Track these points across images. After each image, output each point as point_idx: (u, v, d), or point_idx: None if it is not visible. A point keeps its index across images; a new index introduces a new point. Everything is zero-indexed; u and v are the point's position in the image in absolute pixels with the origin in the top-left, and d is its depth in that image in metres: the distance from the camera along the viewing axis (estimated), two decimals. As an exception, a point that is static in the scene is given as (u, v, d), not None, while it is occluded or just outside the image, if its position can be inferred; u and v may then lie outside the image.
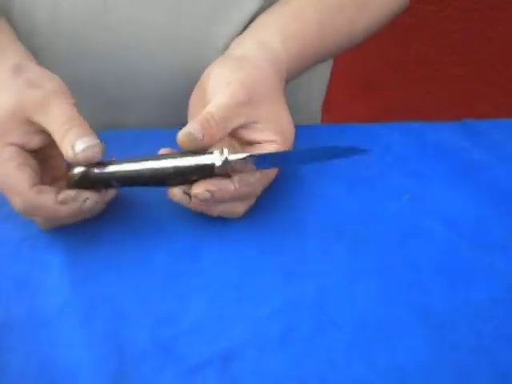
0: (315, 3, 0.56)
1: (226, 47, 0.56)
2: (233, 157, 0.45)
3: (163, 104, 0.61)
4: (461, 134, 0.59)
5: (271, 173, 0.49)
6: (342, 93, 1.23)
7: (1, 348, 0.42)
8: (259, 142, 0.48)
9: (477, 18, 1.09)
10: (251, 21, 0.57)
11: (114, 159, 0.46)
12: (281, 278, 0.47)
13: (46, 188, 0.45)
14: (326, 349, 0.43)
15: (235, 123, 0.47)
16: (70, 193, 0.45)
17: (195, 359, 0.42)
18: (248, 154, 0.46)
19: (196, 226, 0.49)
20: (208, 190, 0.45)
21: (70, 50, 0.58)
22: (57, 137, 0.45)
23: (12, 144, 0.45)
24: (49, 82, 0.47)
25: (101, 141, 0.45)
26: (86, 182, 0.45)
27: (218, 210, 0.48)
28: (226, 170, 0.46)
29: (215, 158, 0.45)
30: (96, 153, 0.44)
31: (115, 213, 0.50)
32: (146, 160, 0.46)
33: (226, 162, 0.45)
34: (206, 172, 0.45)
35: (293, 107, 0.51)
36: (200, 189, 0.45)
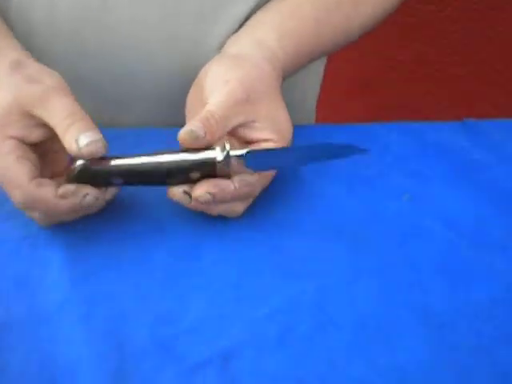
0: (312, 0, 0.56)
1: (222, 46, 0.56)
2: (234, 152, 0.46)
3: (160, 103, 0.61)
4: (461, 134, 0.59)
5: (270, 173, 0.49)
6: (340, 92, 1.23)
7: (1, 346, 0.42)
8: (258, 141, 0.48)
9: (477, 18, 1.09)
10: (247, 18, 0.57)
11: (115, 155, 0.46)
12: (280, 277, 0.47)
13: (46, 181, 0.45)
14: (325, 349, 0.43)
15: (234, 122, 0.47)
16: (70, 187, 0.45)
17: (195, 358, 0.42)
18: (248, 150, 0.46)
19: (196, 226, 0.49)
20: (209, 193, 0.45)
21: (68, 50, 0.58)
22: (59, 131, 0.45)
23: (12, 137, 0.45)
24: (48, 78, 0.47)
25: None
26: (87, 177, 0.45)
27: (218, 210, 0.48)
28: (227, 170, 0.46)
29: (217, 153, 0.45)
30: (99, 148, 0.44)
31: (115, 211, 0.50)
32: (148, 155, 0.46)
33: (227, 157, 0.45)
34: (208, 168, 0.46)
35: (289, 105, 0.51)
36: (201, 191, 0.46)
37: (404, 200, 0.52)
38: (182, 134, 0.45)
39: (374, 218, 0.51)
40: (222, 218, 0.49)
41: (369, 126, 0.59)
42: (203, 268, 0.47)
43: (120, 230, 0.49)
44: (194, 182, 0.46)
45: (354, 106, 1.21)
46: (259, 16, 0.56)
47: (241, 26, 0.57)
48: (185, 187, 0.46)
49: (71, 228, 0.49)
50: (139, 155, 0.46)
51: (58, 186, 0.45)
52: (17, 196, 0.45)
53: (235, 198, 0.47)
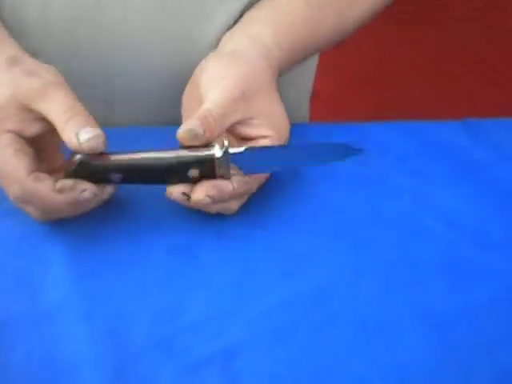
0: None
1: (217, 43, 0.56)
2: (233, 150, 0.46)
3: (154, 101, 0.61)
4: (462, 133, 0.59)
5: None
6: (339, 90, 1.23)
7: (2, 344, 0.42)
8: (256, 138, 0.48)
9: (477, 17, 1.09)
10: (241, 15, 0.57)
11: (114, 151, 0.46)
12: (280, 276, 0.47)
13: (44, 175, 0.45)
14: (325, 347, 0.43)
15: (232, 119, 0.47)
16: (68, 182, 0.45)
17: (194, 356, 0.42)
18: (246, 147, 0.46)
19: (195, 224, 0.49)
20: (208, 195, 0.46)
21: (61, 50, 0.57)
22: (58, 124, 0.45)
23: (10, 131, 0.45)
24: (46, 73, 0.47)
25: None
26: (85, 171, 0.45)
27: (215, 208, 0.48)
28: (226, 167, 0.46)
29: (215, 150, 0.45)
30: (100, 143, 0.45)
31: (115, 211, 0.50)
32: (147, 151, 0.46)
33: (226, 153, 0.45)
34: (207, 165, 0.46)
35: (283, 103, 0.52)
36: (200, 194, 0.46)
37: (404, 199, 0.52)
38: (181, 132, 0.45)
39: (374, 218, 0.51)
40: (221, 217, 0.49)
41: (369, 126, 0.59)
42: (203, 266, 0.47)
43: (120, 229, 0.49)
44: (192, 181, 0.46)
45: (354, 105, 1.21)
46: (254, 13, 0.56)
47: (235, 23, 0.57)
48: (183, 188, 0.46)
49: (71, 227, 0.49)
50: (138, 151, 0.46)
51: (56, 181, 0.45)
52: (14, 190, 0.45)
53: (233, 197, 0.48)
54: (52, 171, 0.47)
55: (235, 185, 0.46)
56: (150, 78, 0.59)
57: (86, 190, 0.45)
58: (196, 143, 0.45)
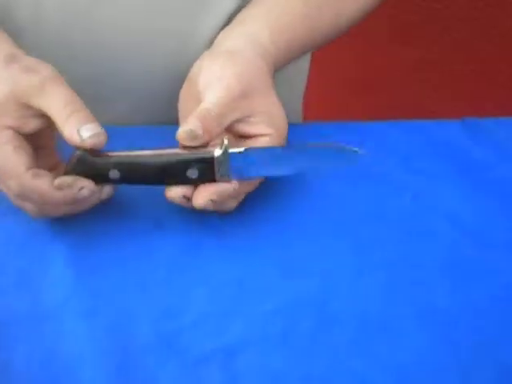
0: None
1: (211, 41, 0.56)
2: (232, 149, 0.46)
3: (148, 100, 0.61)
4: (464, 132, 0.59)
5: None
6: (342, 91, 1.23)
7: (5, 342, 0.42)
8: (254, 136, 0.48)
9: (480, 17, 1.09)
10: (235, 14, 0.56)
11: (112, 150, 0.46)
12: (283, 274, 0.47)
13: (43, 172, 0.45)
14: (328, 345, 0.43)
15: (231, 118, 0.47)
16: (67, 178, 0.45)
17: (198, 353, 0.42)
18: (247, 148, 0.46)
19: (197, 223, 0.49)
20: (210, 200, 0.46)
21: (55, 50, 0.57)
22: (58, 120, 0.45)
23: (9, 127, 0.45)
24: (44, 69, 0.46)
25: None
26: (84, 168, 0.45)
27: (214, 207, 0.48)
28: (226, 167, 0.46)
29: (216, 151, 0.45)
30: (102, 141, 0.45)
31: (117, 210, 0.50)
32: (146, 150, 0.46)
33: (225, 153, 0.45)
34: (206, 165, 0.45)
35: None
36: (202, 200, 0.46)
37: (407, 198, 0.52)
38: (181, 133, 0.45)
39: (376, 217, 0.51)
40: (222, 216, 0.49)
41: (372, 124, 0.59)
42: (204, 265, 0.47)
43: (123, 228, 0.49)
44: (191, 181, 0.46)
45: (356, 105, 1.21)
46: (250, 10, 0.56)
47: (229, 21, 0.56)
48: (183, 190, 0.46)
49: (73, 225, 0.49)
50: (137, 150, 0.46)
51: (55, 177, 0.45)
52: (12, 186, 0.45)
53: (233, 198, 0.48)
54: (48, 169, 0.47)
55: (235, 186, 0.46)
56: (144, 78, 0.59)
57: (84, 187, 0.45)
58: (196, 144, 0.45)
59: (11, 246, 0.48)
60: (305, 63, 0.72)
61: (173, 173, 0.46)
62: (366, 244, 0.49)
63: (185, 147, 0.46)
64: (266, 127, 0.48)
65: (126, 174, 0.46)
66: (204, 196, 0.46)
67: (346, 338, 0.43)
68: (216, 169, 0.46)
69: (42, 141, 0.48)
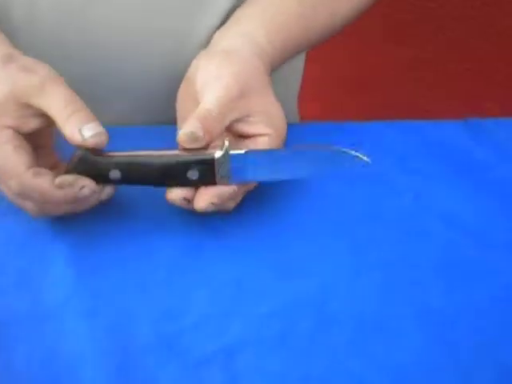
0: None
1: (206, 41, 0.56)
2: (233, 151, 0.46)
3: (144, 100, 0.61)
4: (464, 133, 0.59)
5: None
6: (339, 91, 1.24)
7: (5, 341, 0.42)
8: (253, 135, 0.48)
9: (476, 16, 1.10)
10: (230, 13, 0.56)
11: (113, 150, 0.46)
12: (283, 275, 0.47)
13: (44, 171, 0.45)
14: (326, 346, 0.43)
15: (230, 118, 0.47)
16: (68, 177, 0.45)
17: (198, 354, 0.42)
18: (247, 150, 0.46)
19: (200, 224, 0.49)
20: (212, 203, 0.46)
21: (50, 50, 0.57)
22: (59, 120, 0.44)
23: (9, 127, 0.45)
24: (42, 69, 0.46)
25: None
26: (86, 167, 0.45)
27: (215, 209, 0.48)
28: (226, 168, 0.45)
29: (216, 152, 0.45)
30: (103, 140, 0.45)
31: (119, 210, 0.50)
32: (147, 150, 0.46)
33: (226, 154, 0.45)
34: (207, 166, 0.45)
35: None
36: (203, 203, 0.46)
37: (407, 198, 0.52)
38: (182, 135, 0.45)
39: (374, 217, 0.51)
40: (222, 217, 0.49)
41: (371, 125, 0.59)
42: (206, 265, 0.47)
43: (124, 228, 0.49)
44: (191, 183, 0.46)
45: (353, 105, 1.21)
46: (245, 10, 0.55)
47: (225, 20, 0.56)
48: (183, 193, 0.46)
49: (73, 225, 0.49)
50: (139, 150, 0.46)
51: (55, 176, 0.45)
52: (13, 185, 0.45)
53: (233, 198, 0.48)
54: (48, 168, 0.47)
55: (236, 188, 0.46)
56: (141, 78, 0.59)
57: (85, 186, 0.45)
58: (197, 146, 0.45)
59: (12, 246, 0.48)
60: (299, 62, 0.72)
61: (173, 174, 0.46)
62: (364, 244, 0.49)
63: (185, 149, 0.46)
64: (265, 127, 0.48)
65: (127, 174, 0.46)
66: (205, 199, 0.46)
67: (345, 338, 0.43)
68: (216, 170, 0.45)
69: (41, 140, 0.47)
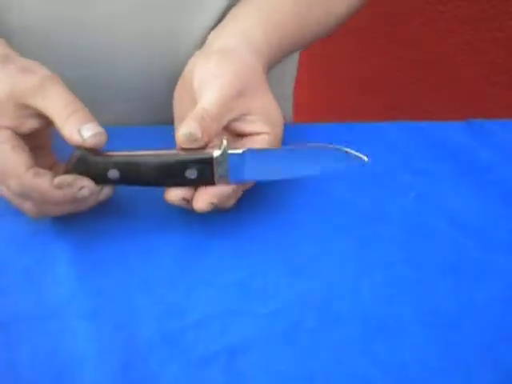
0: None
1: (202, 40, 0.56)
2: (232, 150, 0.46)
3: (139, 101, 0.61)
4: (466, 134, 0.59)
5: None
6: (348, 92, 1.24)
7: (9, 340, 0.43)
8: (250, 134, 0.48)
9: (484, 19, 1.09)
10: (225, 12, 0.56)
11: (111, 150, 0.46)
12: (287, 274, 0.47)
13: (43, 171, 0.45)
14: (330, 346, 0.43)
15: (229, 117, 0.47)
16: (67, 177, 0.45)
17: (202, 353, 0.42)
18: (245, 149, 0.46)
19: (204, 222, 0.49)
20: (211, 203, 0.46)
21: (45, 50, 0.57)
22: (58, 120, 0.44)
23: (7, 127, 0.45)
24: (41, 70, 0.46)
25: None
26: (84, 167, 0.45)
27: (214, 208, 0.48)
28: (225, 168, 0.45)
29: (215, 151, 0.45)
30: (102, 140, 0.45)
31: (122, 208, 0.50)
32: (146, 150, 0.46)
33: (224, 153, 0.45)
34: (205, 165, 0.45)
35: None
36: (202, 203, 0.46)
37: (410, 198, 0.52)
38: (180, 136, 0.45)
39: (378, 217, 0.51)
40: (227, 217, 0.49)
41: (376, 125, 0.59)
42: (210, 264, 0.47)
43: (127, 227, 0.49)
44: (190, 182, 0.46)
45: (357, 106, 1.21)
46: (240, 9, 0.55)
47: (220, 20, 0.56)
48: (182, 193, 0.46)
49: (77, 224, 0.49)
50: (138, 150, 0.46)
51: (55, 176, 0.45)
52: (12, 185, 0.45)
53: (231, 197, 0.48)
54: (46, 169, 0.47)
55: (234, 187, 0.46)
56: (136, 79, 0.59)
57: (84, 186, 0.45)
58: (195, 146, 0.45)
59: (13, 246, 0.48)
60: (293, 61, 0.72)
61: (172, 173, 0.46)
62: (368, 244, 0.49)
63: (183, 149, 0.46)
64: (263, 125, 0.48)
65: (126, 174, 0.46)
66: (204, 199, 0.46)
67: (349, 337, 0.43)
68: (215, 169, 0.45)
69: (38, 141, 0.48)
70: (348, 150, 0.47)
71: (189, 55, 0.52)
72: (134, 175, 0.46)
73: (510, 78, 1.14)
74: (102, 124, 0.45)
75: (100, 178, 0.46)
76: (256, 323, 0.44)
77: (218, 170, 0.45)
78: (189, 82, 0.50)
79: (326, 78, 1.22)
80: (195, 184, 0.46)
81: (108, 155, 0.46)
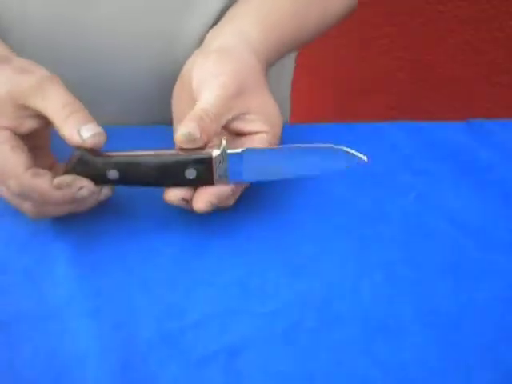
0: None
1: (198, 41, 0.56)
2: (231, 150, 0.46)
3: (136, 101, 0.61)
4: (468, 134, 0.59)
5: None
6: (348, 93, 1.24)
7: (9, 340, 0.42)
8: (249, 133, 0.48)
9: (484, 19, 1.09)
10: (222, 13, 0.57)
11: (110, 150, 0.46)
12: (286, 274, 0.47)
13: (43, 171, 0.45)
14: (330, 346, 0.43)
15: (228, 117, 0.47)
16: (66, 178, 0.45)
17: (201, 353, 0.42)
18: (245, 149, 0.46)
19: (203, 222, 0.49)
20: (210, 203, 0.46)
21: (43, 50, 0.57)
22: (57, 121, 0.44)
23: (5, 128, 0.45)
24: (39, 70, 0.46)
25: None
26: (84, 167, 0.45)
27: (214, 208, 0.48)
28: (224, 167, 0.45)
29: (214, 151, 0.45)
30: (101, 141, 0.45)
31: (122, 208, 0.50)
32: (145, 150, 0.46)
33: (224, 152, 0.45)
34: (205, 165, 0.45)
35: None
36: (202, 203, 0.46)
37: (410, 198, 0.53)
38: (180, 136, 0.45)
39: (380, 216, 0.51)
40: (227, 216, 0.49)
41: (376, 125, 0.59)
42: (210, 264, 0.47)
43: (127, 227, 0.49)
44: (189, 182, 0.46)
45: (358, 106, 1.21)
46: (238, 9, 0.55)
47: (216, 21, 0.56)
48: (182, 193, 0.46)
49: (77, 224, 0.49)
50: (137, 150, 0.46)
51: (54, 176, 0.45)
52: (12, 186, 0.44)
53: (231, 197, 0.48)
54: (45, 169, 0.47)
55: (233, 187, 0.46)
56: (132, 80, 0.60)
57: (83, 187, 0.45)
58: (194, 146, 0.45)
59: (14, 246, 0.48)
60: (290, 61, 0.73)
61: (171, 173, 0.46)
62: (368, 244, 0.49)
63: (182, 149, 0.46)
64: (262, 124, 0.48)
65: (125, 174, 0.46)
66: (204, 199, 0.46)
67: (348, 337, 0.43)
68: (214, 169, 0.45)
69: (37, 141, 0.48)
70: (348, 149, 0.47)
71: (184, 56, 0.52)
72: (133, 175, 0.46)
73: (510, 78, 1.15)
74: (102, 124, 0.45)
75: (99, 179, 0.46)
76: (256, 323, 0.44)
77: (217, 170, 0.45)
78: (187, 81, 0.50)
79: (327, 79, 1.22)
80: (194, 184, 0.46)
81: (107, 155, 0.46)
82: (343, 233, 0.50)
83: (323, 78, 1.23)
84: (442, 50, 1.14)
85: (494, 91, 1.16)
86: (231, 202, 0.48)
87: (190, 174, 0.45)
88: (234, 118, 0.48)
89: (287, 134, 0.51)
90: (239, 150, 0.46)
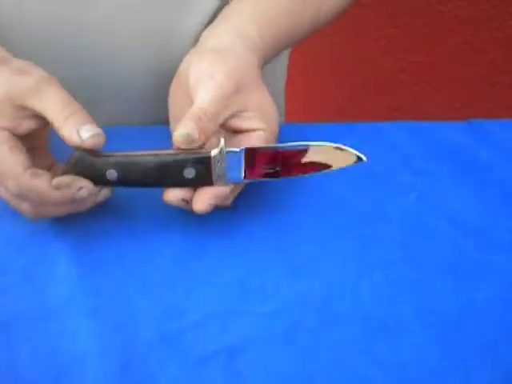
0: None
1: (195, 39, 0.56)
2: (229, 149, 0.45)
3: (133, 100, 0.61)
4: (468, 134, 0.59)
5: None
6: (351, 94, 1.24)
7: (9, 340, 0.43)
8: (247, 130, 0.48)
9: (485, 19, 1.09)
10: (218, 10, 0.56)
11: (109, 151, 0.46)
12: (286, 274, 0.47)
13: (41, 171, 0.45)
14: (330, 346, 0.43)
15: (225, 115, 0.47)
16: (65, 178, 0.45)
17: (201, 353, 0.42)
18: (243, 148, 0.46)
19: (203, 222, 0.49)
20: (210, 204, 0.46)
21: (42, 50, 0.57)
22: (56, 122, 0.44)
23: (4, 128, 0.45)
24: (37, 71, 0.46)
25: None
26: (83, 169, 0.45)
27: (213, 208, 0.48)
28: (223, 167, 0.45)
29: (212, 150, 0.45)
30: (101, 141, 0.45)
31: (121, 208, 0.50)
32: (144, 150, 0.46)
33: (222, 152, 0.45)
34: (204, 164, 0.45)
35: None
36: (202, 204, 0.46)
37: (411, 198, 0.52)
38: (178, 136, 0.45)
39: (380, 216, 0.51)
40: (227, 217, 0.49)
41: (376, 125, 0.59)
42: (209, 264, 0.47)
43: (127, 227, 0.49)
44: (188, 182, 0.46)
45: (363, 108, 1.21)
46: (234, 6, 0.55)
47: (212, 18, 0.56)
48: (181, 193, 0.46)
49: (77, 225, 0.49)
50: (136, 150, 0.46)
51: (53, 177, 0.45)
52: (10, 186, 0.44)
53: (230, 196, 0.48)
54: (43, 170, 0.47)
55: (232, 187, 0.46)
56: (130, 79, 0.60)
57: (83, 187, 0.45)
58: (193, 146, 0.45)
59: (12, 246, 0.48)
60: (284, 58, 0.73)
61: (170, 173, 0.46)
62: (369, 244, 0.49)
63: (181, 149, 0.45)
64: (259, 122, 0.48)
65: (124, 174, 0.46)
66: (204, 200, 0.46)
67: (348, 337, 0.43)
68: (213, 168, 0.45)
69: (35, 141, 0.48)
70: (347, 148, 0.47)
71: (181, 54, 0.52)
72: (132, 175, 0.46)
73: (510, 78, 1.15)
74: (101, 123, 0.45)
75: (99, 179, 0.46)
76: (255, 323, 0.44)
77: (216, 169, 0.45)
78: (184, 79, 0.49)
79: (328, 80, 1.22)
80: (193, 183, 0.46)
81: (106, 156, 0.46)
82: (343, 233, 0.50)
83: (324, 78, 1.23)
84: (442, 50, 1.14)
85: (494, 91, 1.16)
86: (229, 201, 0.48)
87: (189, 173, 0.45)
88: (232, 116, 0.48)
89: (287, 134, 0.51)
90: (237, 149, 0.46)
